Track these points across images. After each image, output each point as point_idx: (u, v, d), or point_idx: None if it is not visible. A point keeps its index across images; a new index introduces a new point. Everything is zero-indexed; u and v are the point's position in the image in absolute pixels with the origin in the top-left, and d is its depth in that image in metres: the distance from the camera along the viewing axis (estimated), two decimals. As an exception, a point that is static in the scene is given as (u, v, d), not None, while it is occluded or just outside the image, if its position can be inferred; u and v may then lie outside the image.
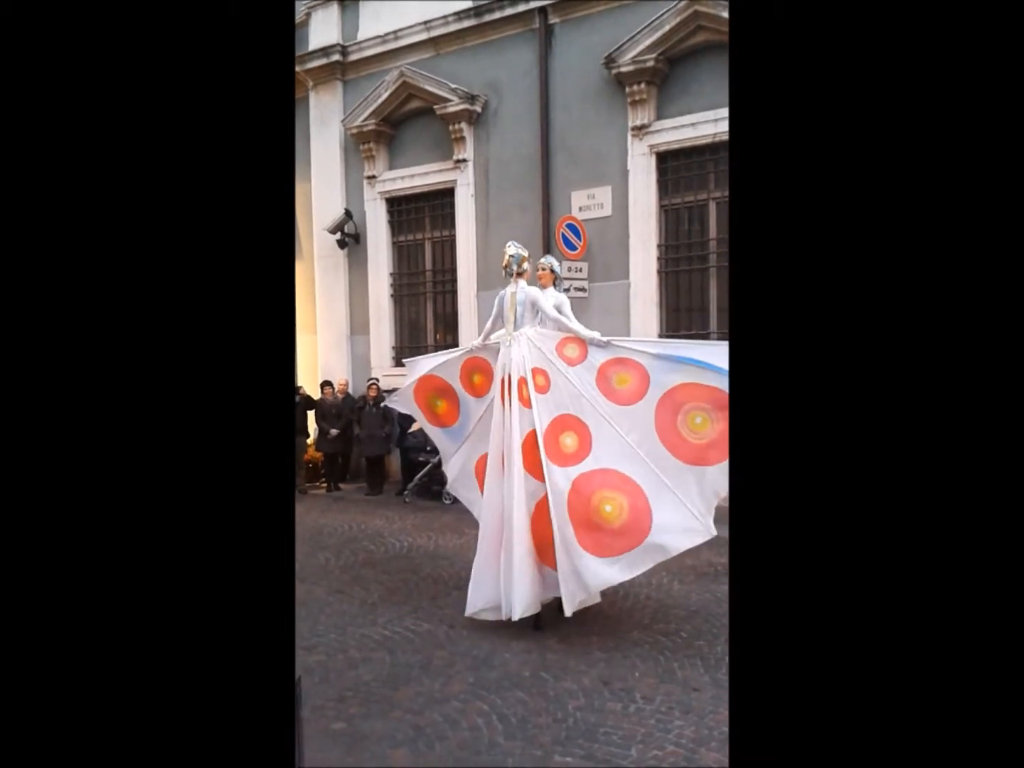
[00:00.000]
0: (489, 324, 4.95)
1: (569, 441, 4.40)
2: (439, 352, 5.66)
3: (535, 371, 4.51)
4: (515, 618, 4.24)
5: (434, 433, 5.51)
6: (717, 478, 4.14)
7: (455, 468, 5.32)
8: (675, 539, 4.17)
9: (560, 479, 4.28)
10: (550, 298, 4.95)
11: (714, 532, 4.13)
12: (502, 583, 4.37)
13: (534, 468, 4.38)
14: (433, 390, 5.31)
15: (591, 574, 4.18)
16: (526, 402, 4.46)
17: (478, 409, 5.06)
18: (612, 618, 4.65)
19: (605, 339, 4.51)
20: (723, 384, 4.02)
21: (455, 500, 7.85)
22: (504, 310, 4.73)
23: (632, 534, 4.17)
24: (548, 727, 3.28)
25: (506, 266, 4.76)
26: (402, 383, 5.63)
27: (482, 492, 4.83)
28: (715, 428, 4.14)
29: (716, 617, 4.59)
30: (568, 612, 4.23)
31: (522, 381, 4.50)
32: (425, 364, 5.43)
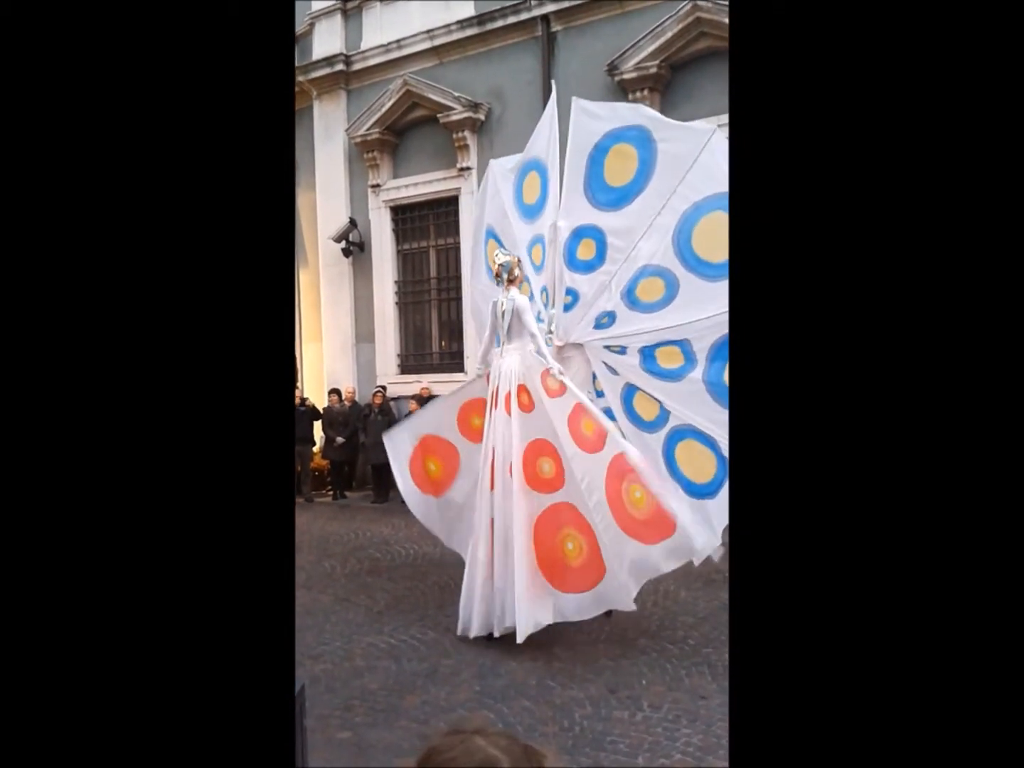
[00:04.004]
0: (487, 337, 4.87)
1: (547, 467, 4.32)
2: (427, 407, 5.35)
3: (520, 388, 4.43)
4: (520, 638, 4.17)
5: (424, 504, 5.09)
6: (651, 559, 4.14)
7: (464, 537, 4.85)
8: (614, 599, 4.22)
9: (532, 503, 4.24)
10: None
11: (632, 607, 4.24)
12: (498, 600, 4.32)
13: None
14: (428, 452, 5.02)
15: (548, 605, 4.20)
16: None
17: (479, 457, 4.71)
18: (618, 626, 4.63)
19: (560, 377, 4.37)
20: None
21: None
22: (496, 319, 4.64)
23: (585, 577, 4.18)
24: (555, 736, 3.27)
25: (497, 275, 4.63)
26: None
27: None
28: (651, 504, 4.11)
29: (724, 624, 4.56)
30: (520, 638, 4.11)
31: (508, 396, 4.45)
32: (418, 424, 5.15)
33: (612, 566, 4.12)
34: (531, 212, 4.96)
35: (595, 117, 4.70)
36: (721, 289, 3.94)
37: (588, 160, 4.65)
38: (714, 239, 4.11)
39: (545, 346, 4.53)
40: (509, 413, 4.41)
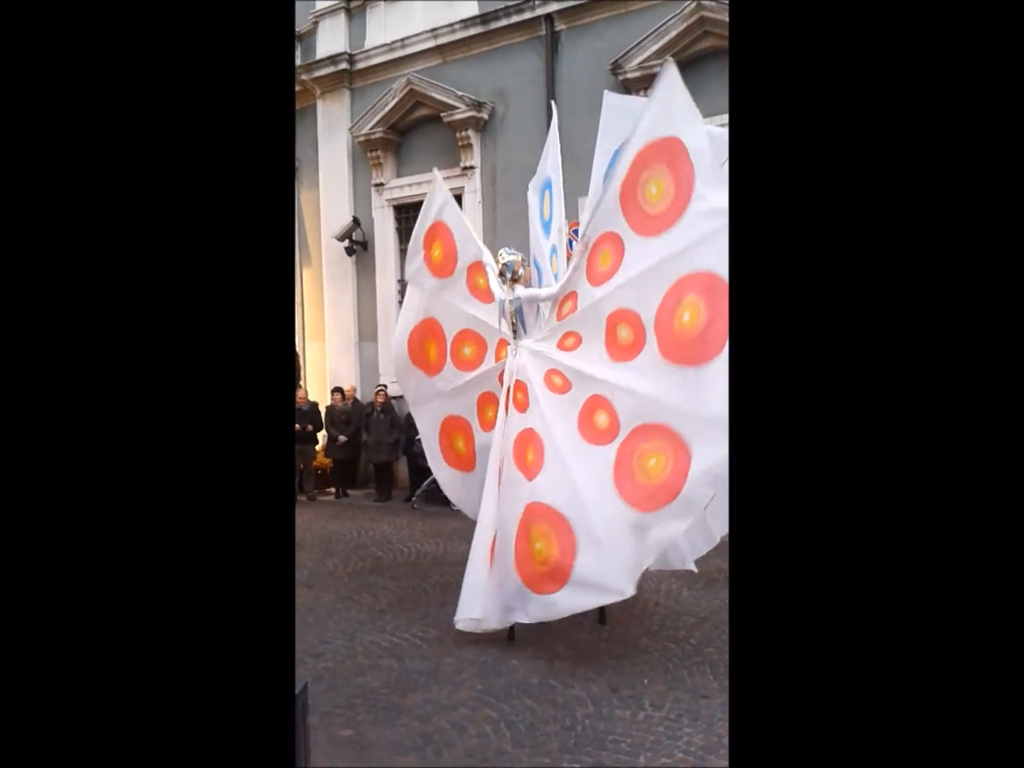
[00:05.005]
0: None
1: (531, 458, 4.22)
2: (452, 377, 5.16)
3: (517, 384, 4.44)
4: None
5: (450, 478, 5.24)
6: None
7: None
8: (585, 594, 3.93)
9: (523, 491, 4.14)
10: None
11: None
12: (492, 590, 4.28)
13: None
14: (455, 429, 5.12)
15: (530, 604, 4.07)
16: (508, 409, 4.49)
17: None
18: (621, 625, 4.63)
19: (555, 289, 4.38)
20: (677, 421, 3.76)
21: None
22: (505, 317, 4.64)
23: (555, 576, 3.97)
24: (556, 734, 3.27)
25: (501, 274, 4.60)
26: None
27: None
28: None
29: (725, 624, 4.56)
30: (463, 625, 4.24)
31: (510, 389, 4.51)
32: (440, 403, 5.15)
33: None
34: (548, 227, 5.08)
35: (626, 114, 4.64)
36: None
37: (612, 160, 4.60)
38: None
39: (555, 284, 4.60)
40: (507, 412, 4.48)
